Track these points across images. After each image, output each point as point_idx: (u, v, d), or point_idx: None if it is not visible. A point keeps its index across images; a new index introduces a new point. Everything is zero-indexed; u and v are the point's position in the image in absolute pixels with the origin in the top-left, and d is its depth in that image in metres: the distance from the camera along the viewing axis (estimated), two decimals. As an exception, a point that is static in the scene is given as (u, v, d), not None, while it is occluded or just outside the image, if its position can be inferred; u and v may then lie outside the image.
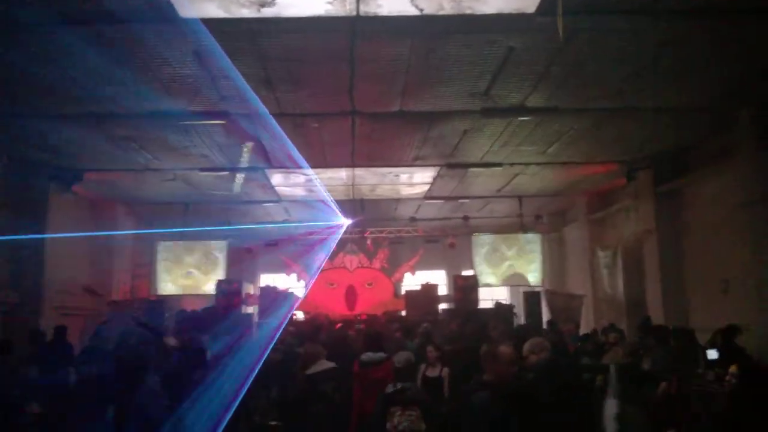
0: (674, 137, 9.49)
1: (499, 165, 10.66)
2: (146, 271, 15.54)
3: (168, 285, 15.51)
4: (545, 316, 14.49)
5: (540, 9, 5.43)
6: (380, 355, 5.88)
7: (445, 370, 6.19)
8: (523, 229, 16.08)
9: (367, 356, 5.87)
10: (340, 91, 7.31)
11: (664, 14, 5.63)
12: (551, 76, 6.95)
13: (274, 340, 7.35)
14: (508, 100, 7.67)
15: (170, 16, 5.37)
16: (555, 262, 16.62)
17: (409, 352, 6.04)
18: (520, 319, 14.07)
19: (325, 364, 6.01)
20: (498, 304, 14.99)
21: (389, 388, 4.66)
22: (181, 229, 14.68)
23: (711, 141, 9.20)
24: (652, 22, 5.77)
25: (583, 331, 11.31)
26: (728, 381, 4.60)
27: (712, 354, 6.45)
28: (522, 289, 16.67)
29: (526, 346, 4.56)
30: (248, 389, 5.21)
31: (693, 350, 7.04)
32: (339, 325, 11.54)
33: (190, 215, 13.93)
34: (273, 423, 5.75)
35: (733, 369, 4.58)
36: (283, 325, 8.97)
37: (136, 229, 14.79)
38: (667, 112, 8.25)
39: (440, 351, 6.51)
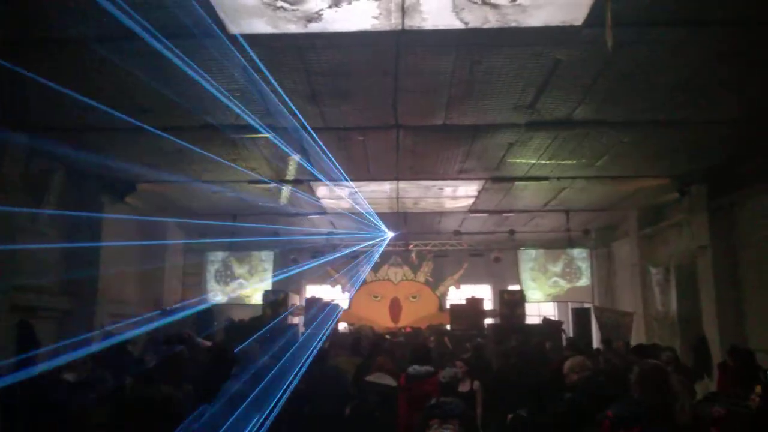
0: (728, 150, 9.17)
1: (546, 179, 10.50)
2: (196, 281, 15.93)
3: (217, 294, 15.87)
4: (594, 333, 14.16)
5: (587, 21, 5.34)
6: (427, 368, 5.84)
7: (476, 384, 6.08)
8: (571, 244, 15.79)
9: (414, 369, 5.83)
10: (384, 104, 7.35)
11: (714, 25, 5.48)
12: (599, 89, 6.82)
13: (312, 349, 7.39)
14: (554, 113, 7.56)
15: (219, 33, 5.52)
16: (603, 278, 16.22)
17: (456, 369, 5.99)
18: (569, 335, 13.78)
19: (385, 379, 6.00)
20: (546, 320, 14.73)
21: (432, 402, 4.68)
22: (231, 239, 15.03)
23: (766, 154, 8.85)
24: (703, 33, 5.62)
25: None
26: (753, 401, 4.47)
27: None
28: (571, 306, 16.35)
29: (567, 365, 4.48)
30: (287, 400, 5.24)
31: (753, 371, 6.77)
32: (387, 337, 11.54)
33: (238, 226, 14.23)
34: None
35: (758, 390, 4.45)
36: (324, 336, 8.99)
37: (185, 239, 15.17)
38: (719, 124, 7.97)
39: (468, 366, 6.43)
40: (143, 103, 7.12)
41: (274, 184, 10.90)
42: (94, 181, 10.45)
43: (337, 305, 15.69)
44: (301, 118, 7.43)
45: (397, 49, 5.94)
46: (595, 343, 13.71)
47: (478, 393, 6.01)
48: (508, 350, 9.49)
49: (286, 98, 6.95)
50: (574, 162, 9.59)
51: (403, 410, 5.70)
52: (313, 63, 6.24)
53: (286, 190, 11.24)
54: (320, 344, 7.58)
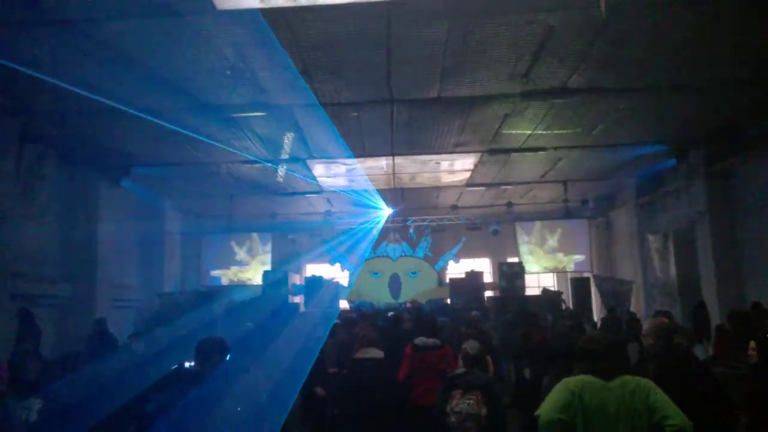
0: (726, 115, 9.10)
1: (543, 149, 10.44)
2: (195, 263, 15.91)
3: (217, 276, 15.87)
4: (594, 302, 14.24)
5: (581, -15, 5.27)
6: (434, 340, 5.95)
7: (488, 358, 6.12)
8: (569, 214, 15.77)
9: (420, 341, 5.93)
10: (377, 78, 7.27)
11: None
12: (594, 56, 6.74)
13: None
14: (549, 81, 7.49)
15: (207, 9, 5.43)
16: (602, 247, 16.25)
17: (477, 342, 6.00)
18: (568, 306, 13.86)
19: (372, 352, 6.02)
20: (545, 291, 14.79)
21: (455, 373, 4.68)
22: (228, 223, 15.00)
23: (765, 117, 8.80)
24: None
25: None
26: (751, 356, 4.53)
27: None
28: (570, 275, 16.39)
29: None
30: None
31: (751, 333, 6.80)
32: (391, 312, 11.57)
33: (235, 207, 14.19)
34: None
35: (752, 344, 4.51)
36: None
37: (183, 221, 15.13)
38: (717, 88, 7.89)
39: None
40: (132, 84, 7.02)
41: (270, 164, 10.83)
42: (88, 166, 10.37)
43: (337, 283, 15.74)
44: (294, 94, 7.35)
45: (389, 19, 5.85)
46: (595, 311, 13.82)
47: (489, 364, 6.05)
48: (507, 322, 9.54)
49: (278, 75, 6.86)
50: (571, 131, 9.53)
51: (402, 375, 5.79)
52: (303, 37, 6.15)
53: (282, 169, 11.16)
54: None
